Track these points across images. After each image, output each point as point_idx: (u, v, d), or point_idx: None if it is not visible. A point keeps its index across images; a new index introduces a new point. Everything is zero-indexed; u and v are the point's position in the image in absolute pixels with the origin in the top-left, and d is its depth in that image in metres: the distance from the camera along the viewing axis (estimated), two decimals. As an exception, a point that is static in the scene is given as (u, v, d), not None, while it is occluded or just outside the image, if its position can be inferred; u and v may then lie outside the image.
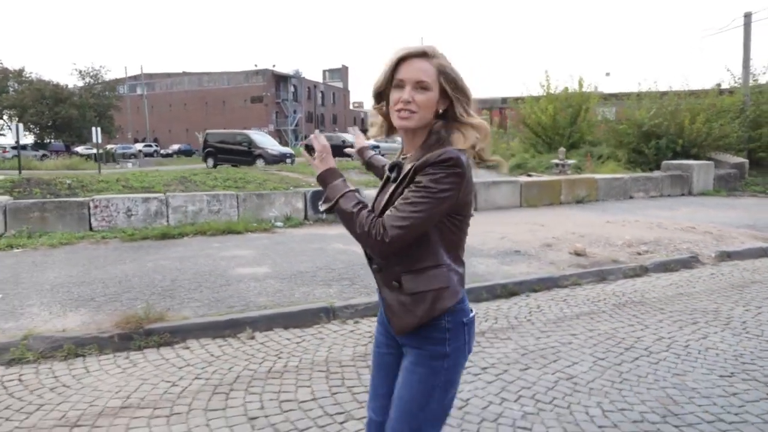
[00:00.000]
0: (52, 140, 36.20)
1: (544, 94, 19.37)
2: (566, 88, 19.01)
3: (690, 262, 6.03)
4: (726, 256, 6.31)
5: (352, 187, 1.45)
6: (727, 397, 2.76)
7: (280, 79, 57.06)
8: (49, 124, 33.84)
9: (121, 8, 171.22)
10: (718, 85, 16.66)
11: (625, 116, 16.34)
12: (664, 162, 13.50)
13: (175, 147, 46.35)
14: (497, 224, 8.36)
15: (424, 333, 1.42)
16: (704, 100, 15.10)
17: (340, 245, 6.51)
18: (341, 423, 2.59)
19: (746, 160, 14.33)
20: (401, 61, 1.41)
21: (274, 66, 55.62)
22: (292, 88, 58.15)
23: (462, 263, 1.49)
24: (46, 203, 7.43)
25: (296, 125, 56.37)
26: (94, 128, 20.61)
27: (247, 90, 55.79)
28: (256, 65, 56.15)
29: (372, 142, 1.63)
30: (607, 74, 55.56)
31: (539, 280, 5.14)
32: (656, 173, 12.94)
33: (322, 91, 65.60)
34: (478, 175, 15.67)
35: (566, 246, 6.63)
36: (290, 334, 3.85)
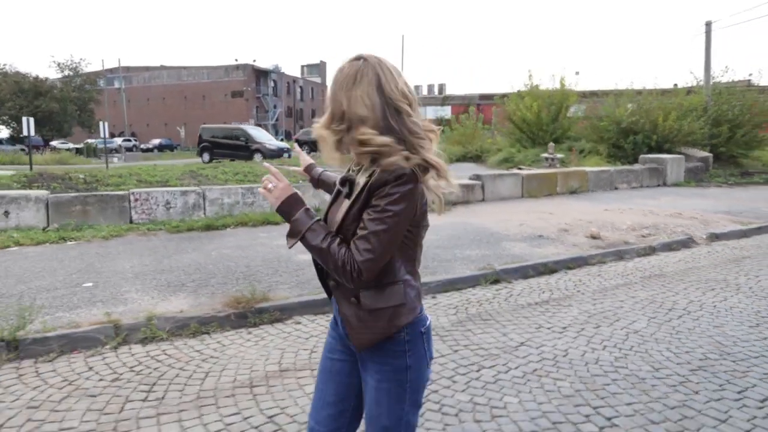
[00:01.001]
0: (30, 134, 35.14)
1: (528, 91, 20.34)
2: (548, 88, 20.07)
3: (688, 243, 6.92)
4: (715, 237, 7.24)
5: (315, 216, 1.43)
6: (761, 341, 3.54)
7: (261, 74, 56.73)
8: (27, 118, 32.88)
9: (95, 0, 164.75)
10: (684, 88, 17.93)
11: (595, 113, 17.52)
12: (641, 156, 14.59)
13: (156, 141, 45.58)
14: (510, 213, 9.09)
15: (383, 346, 1.43)
16: (674, 99, 16.32)
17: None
18: (455, 368, 3.22)
19: (710, 155, 15.60)
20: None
21: (254, 61, 55.28)
22: (272, 83, 57.90)
23: (418, 277, 1.50)
24: (88, 197, 7.72)
25: (276, 120, 56.18)
26: (102, 122, 20.33)
27: (227, 84, 55.25)
28: (236, 60, 55.68)
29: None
30: (577, 73, 57.59)
31: (572, 259, 5.89)
32: (636, 166, 14.00)
33: (301, 86, 65.51)
34: (480, 169, 16.21)
35: (580, 231, 7.42)
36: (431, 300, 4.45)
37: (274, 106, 58.40)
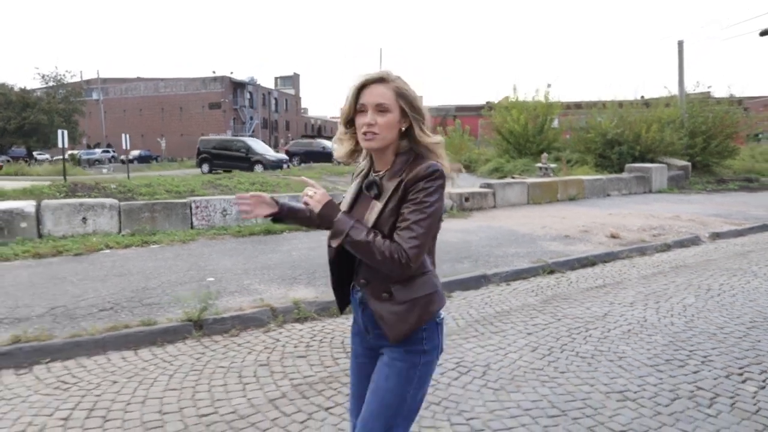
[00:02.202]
0: (14, 146, 34.69)
1: (514, 103, 21.58)
2: (533, 100, 21.36)
3: (696, 241, 7.99)
4: (717, 236, 8.34)
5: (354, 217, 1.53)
6: (789, 310, 4.54)
7: (237, 86, 57.01)
8: (15, 129, 32.46)
9: (70, 13, 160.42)
10: (663, 98, 19.48)
11: (580, 125, 18.90)
12: (628, 165, 15.89)
13: (135, 153, 45.16)
14: (526, 218, 10.04)
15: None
16: (654, 111, 17.79)
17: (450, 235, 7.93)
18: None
19: (689, 163, 17.08)
20: (362, 87, 1.53)
21: (231, 73, 55.48)
22: (248, 95, 58.13)
23: (435, 267, 1.61)
24: (155, 204, 8.28)
25: (253, 131, 56.42)
26: (123, 135, 20.38)
27: (205, 96, 55.27)
28: (214, 72, 55.75)
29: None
30: (549, 85, 59.90)
31: (605, 254, 6.85)
32: (625, 175, 15.27)
33: (275, 98, 65.86)
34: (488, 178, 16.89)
35: (599, 232, 8.41)
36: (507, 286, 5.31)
37: (251, 118, 58.68)
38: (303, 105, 79.28)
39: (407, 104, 1.52)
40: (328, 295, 4.87)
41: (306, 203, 1.55)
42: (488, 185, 12.19)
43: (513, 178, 15.97)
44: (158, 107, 57.76)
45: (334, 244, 1.51)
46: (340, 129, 1.65)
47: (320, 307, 4.55)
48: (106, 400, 2.88)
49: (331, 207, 1.51)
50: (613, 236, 8.04)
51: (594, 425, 2.64)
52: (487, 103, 26.52)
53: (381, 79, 1.52)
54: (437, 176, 1.46)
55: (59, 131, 14.98)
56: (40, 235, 7.51)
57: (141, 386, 3.05)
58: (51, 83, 34.41)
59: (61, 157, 23.69)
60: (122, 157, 45.52)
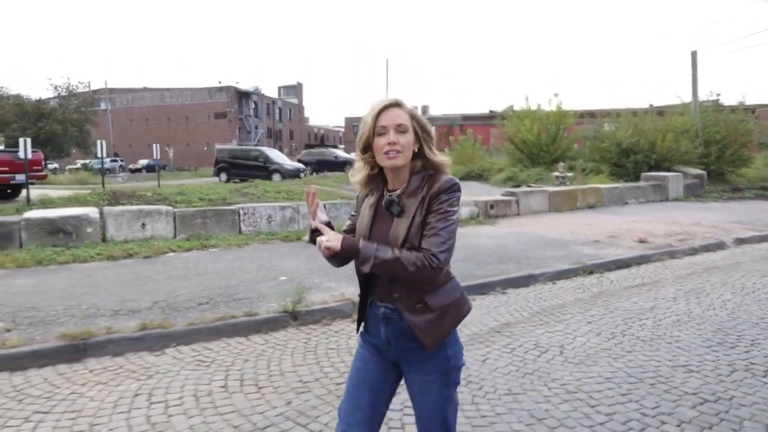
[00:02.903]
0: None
1: (527, 113, 22.10)
2: (545, 110, 21.92)
3: (721, 245, 8.45)
4: (741, 241, 8.78)
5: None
6: (819, 303, 5.00)
7: (243, 96, 57.82)
8: (31, 139, 33.16)
9: (75, 25, 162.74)
10: (678, 107, 19.95)
11: (597, 134, 19.41)
12: (644, 174, 16.37)
13: (143, 162, 45.89)
14: (551, 224, 10.51)
15: None
16: (668, 120, 18.28)
17: (484, 240, 8.42)
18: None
19: (704, 172, 17.55)
20: (380, 112, 1.66)
21: (237, 83, 56.34)
22: (253, 105, 58.99)
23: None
24: (207, 211, 8.81)
25: (258, 141, 57.13)
26: (154, 144, 20.94)
27: (211, 106, 56.11)
28: (220, 82, 56.69)
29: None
30: (556, 95, 60.95)
31: (638, 257, 7.32)
32: (642, 183, 15.76)
33: (279, 108, 66.72)
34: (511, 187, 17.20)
35: (627, 237, 8.87)
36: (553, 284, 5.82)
37: (256, 127, 59.46)
38: (309, 115, 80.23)
39: (419, 126, 1.69)
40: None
41: (328, 248, 1.59)
42: (511, 193, 12.69)
43: (529, 186, 16.44)
44: (164, 117, 58.53)
45: (366, 269, 1.58)
46: (358, 155, 1.76)
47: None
48: (248, 373, 3.38)
49: (348, 240, 1.60)
50: (641, 241, 8.51)
51: (669, 389, 3.13)
52: (499, 112, 27.03)
53: (397, 104, 1.68)
54: (456, 189, 1.64)
55: (98, 141, 15.54)
56: (104, 240, 8.02)
57: (271, 363, 3.54)
58: (62, 93, 35.25)
59: (74, 166, 24.36)
60: (131, 166, 46.34)
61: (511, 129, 22.39)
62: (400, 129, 1.64)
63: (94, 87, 54.99)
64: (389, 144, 1.63)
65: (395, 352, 1.73)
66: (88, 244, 7.69)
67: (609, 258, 7.12)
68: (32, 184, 12.83)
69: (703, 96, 19.90)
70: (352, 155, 31.12)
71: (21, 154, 11.49)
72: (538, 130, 21.11)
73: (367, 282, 1.77)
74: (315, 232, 1.72)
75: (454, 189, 1.63)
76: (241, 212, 8.95)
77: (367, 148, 1.71)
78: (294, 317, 4.50)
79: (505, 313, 4.82)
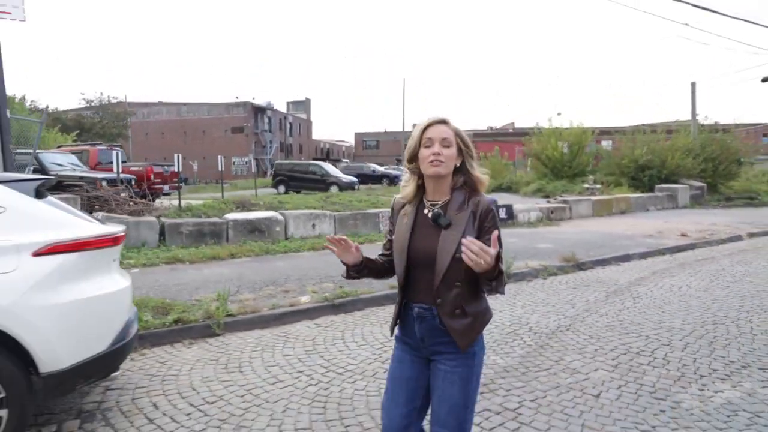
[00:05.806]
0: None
1: (551, 131, 25.19)
2: (568, 128, 25.07)
3: (740, 237, 11.42)
4: (752, 235, 11.77)
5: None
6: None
7: (258, 111, 60.34)
8: None
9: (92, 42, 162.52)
10: (685, 128, 23.28)
11: (616, 152, 22.57)
12: (657, 186, 19.54)
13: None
14: (605, 224, 13.42)
15: None
16: (675, 140, 21.56)
17: (568, 235, 11.23)
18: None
19: (705, 184, 20.77)
20: (428, 126, 1.90)
21: (254, 98, 58.88)
22: (267, 120, 61.56)
23: None
24: (357, 214, 11.53)
25: (272, 154, 59.64)
26: (176, 155, 23.18)
27: (227, 121, 58.46)
28: (237, 97, 59.12)
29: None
30: (559, 114, 65.16)
31: (688, 245, 10.25)
32: (658, 193, 18.89)
33: (290, 123, 69.39)
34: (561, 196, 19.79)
35: (670, 233, 11.79)
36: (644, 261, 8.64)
37: (270, 142, 62.03)
38: (317, 130, 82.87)
39: (463, 142, 1.91)
40: (554, 262, 8.19)
41: (479, 261, 1.62)
42: (565, 201, 15.64)
43: (561, 196, 19.41)
44: (180, 131, 60.68)
45: (501, 290, 1.76)
46: (405, 165, 1.99)
47: (534, 271, 7.90)
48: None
49: (491, 269, 1.65)
50: (683, 235, 11.47)
51: (760, 302, 5.99)
52: (523, 128, 29.99)
53: (443, 121, 1.91)
54: (494, 208, 1.93)
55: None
56: (286, 237, 10.67)
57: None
58: (96, 106, 37.40)
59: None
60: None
61: (537, 147, 25.43)
62: (445, 143, 1.86)
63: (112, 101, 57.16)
64: (434, 154, 1.84)
65: (429, 347, 1.96)
66: (279, 240, 10.31)
67: (669, 245, 10.04)
68: (168, 194, 15.22)
69: (700, 117, 23.34)
70: (384, 168, 33.95)
71: (175, 168, 14.03)
72: (561, 148, 24.19)
73: (404, 286, 1.97)
74: (351, 268, 2.08)
75: (493, 206, 1.91)
76: (380, 215, 11.69)
77: (413, 159, 1.93)
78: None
79: (635, 273, 7.72)
